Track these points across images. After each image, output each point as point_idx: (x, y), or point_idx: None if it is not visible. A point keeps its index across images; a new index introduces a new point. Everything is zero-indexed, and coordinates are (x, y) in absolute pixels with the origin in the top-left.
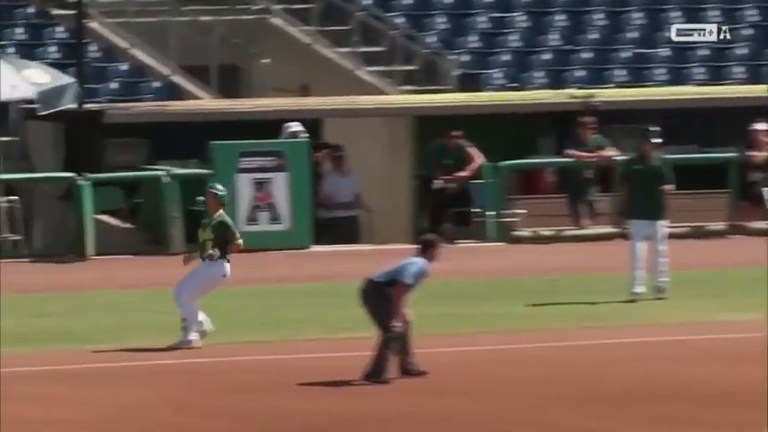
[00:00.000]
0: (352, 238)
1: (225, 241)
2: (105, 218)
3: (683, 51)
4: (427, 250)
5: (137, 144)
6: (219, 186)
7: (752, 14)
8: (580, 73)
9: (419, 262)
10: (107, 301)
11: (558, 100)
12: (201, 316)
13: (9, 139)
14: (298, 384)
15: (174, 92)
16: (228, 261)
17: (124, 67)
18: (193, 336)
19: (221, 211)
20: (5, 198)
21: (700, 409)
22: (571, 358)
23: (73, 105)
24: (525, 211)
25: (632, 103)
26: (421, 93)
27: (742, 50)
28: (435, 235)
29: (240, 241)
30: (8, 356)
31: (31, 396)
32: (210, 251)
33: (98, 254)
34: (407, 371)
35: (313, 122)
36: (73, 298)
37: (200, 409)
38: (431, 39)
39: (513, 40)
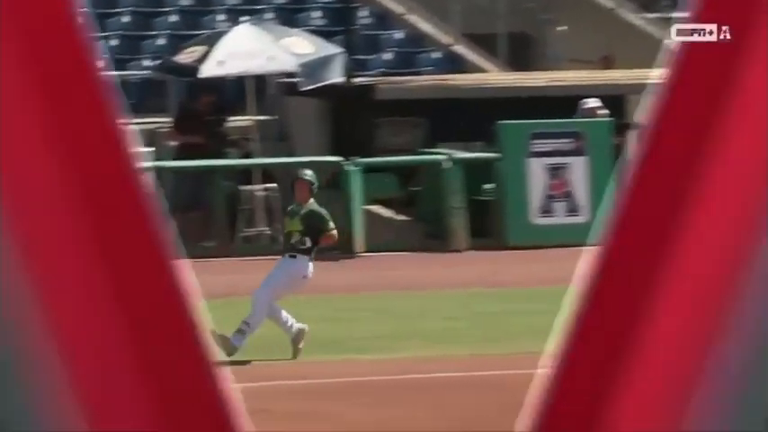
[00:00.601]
0: None
1: (317, 232)
2: (377, 209)
3: None
4: None
5: (413, 124)
6: (309, 172)
7: None
8: None
9: None
10: (378, 304)
11: None
12: (291, 320)
13: (266, 117)
14: None
15: (456, 64)
16: (312, 260)
17: (399, 35)
18: (244, 342)
19: (312, 200)
20: (262, 186)
21: None
22: None
23: (340, 79)
24: None
25: None
26: None
27: None
28: None
29: (334, 232)
30: (264, 368)
31: (290, 413)
32: (299, 238)
33: (368, 250)
34: None
35: (616, 99)
36: (338, 300)
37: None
38: None
39: None
